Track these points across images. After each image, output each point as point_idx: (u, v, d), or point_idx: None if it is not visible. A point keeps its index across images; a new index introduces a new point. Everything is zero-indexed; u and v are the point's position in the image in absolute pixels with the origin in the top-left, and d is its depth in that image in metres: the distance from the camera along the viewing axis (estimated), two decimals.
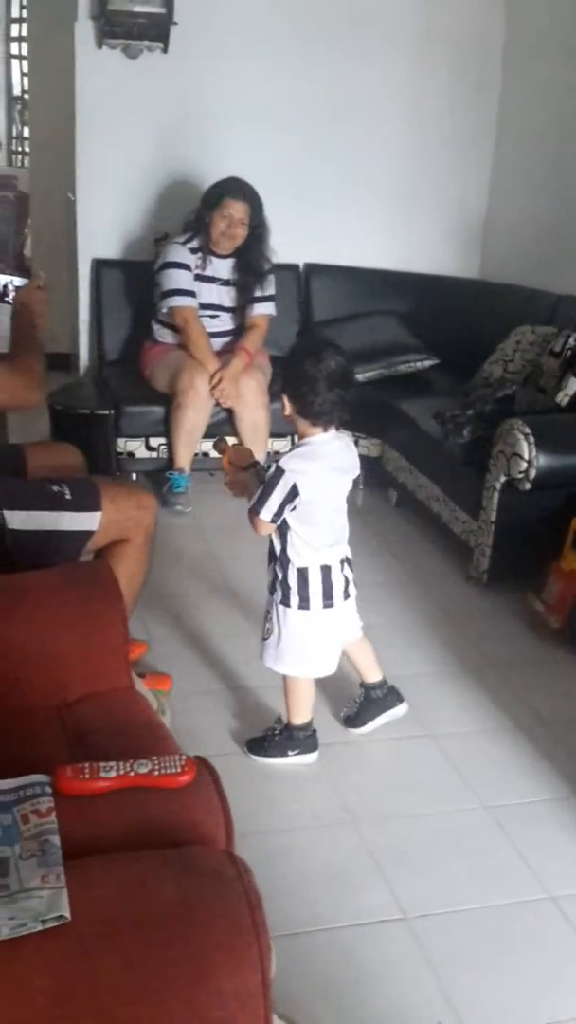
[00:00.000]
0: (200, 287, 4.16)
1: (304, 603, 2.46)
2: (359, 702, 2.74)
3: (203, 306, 4.18)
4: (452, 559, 3.77)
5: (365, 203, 4.80)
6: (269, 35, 4.45)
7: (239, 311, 4.24)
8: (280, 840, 2.30)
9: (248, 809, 2.25)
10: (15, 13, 8.65)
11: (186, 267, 4.12)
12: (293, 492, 2.33)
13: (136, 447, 4.20)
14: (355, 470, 2.49)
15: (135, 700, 2.13)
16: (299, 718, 2.59)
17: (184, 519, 4.02)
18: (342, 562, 2.50)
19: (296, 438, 2.54)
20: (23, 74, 7.85)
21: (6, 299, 2.64)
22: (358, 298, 4.74)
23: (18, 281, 2.63)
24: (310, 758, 2.60)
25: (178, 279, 4.11)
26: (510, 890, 2.22)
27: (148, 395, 4.21)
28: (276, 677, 2.91)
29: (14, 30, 8.75)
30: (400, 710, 2.74)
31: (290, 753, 2.58)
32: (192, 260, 4.13)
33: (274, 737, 2.60)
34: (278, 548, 2.47)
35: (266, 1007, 1.29)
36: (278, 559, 2.47)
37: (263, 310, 4.24)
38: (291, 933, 2.01)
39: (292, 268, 4.65)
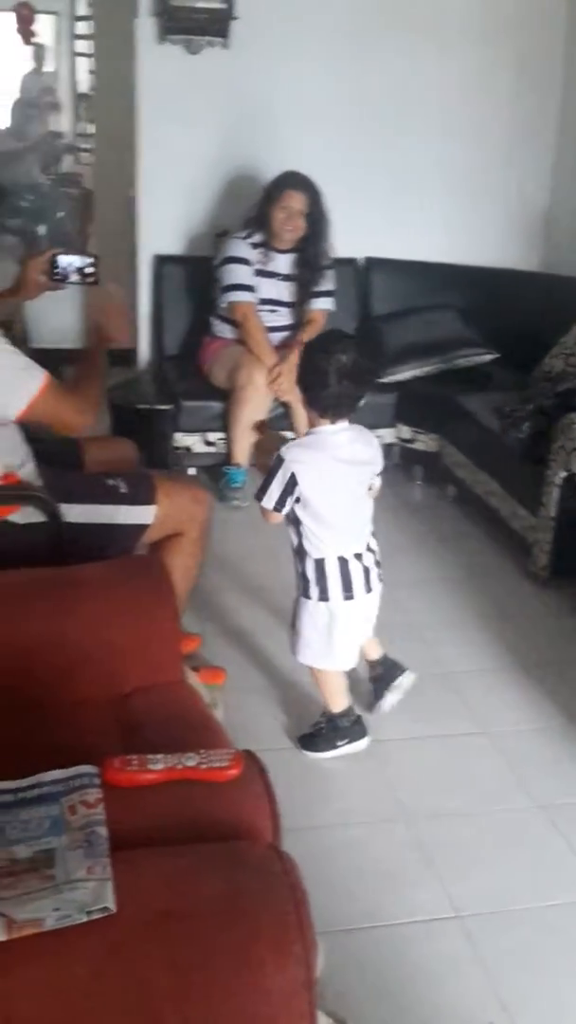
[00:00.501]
0: (261, 282, 4.16)
1: (324, 595, 2.47)
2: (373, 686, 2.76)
3: (263, 301, 4.18)
4: (511, 555, 3.73)
5: (425, 197, 4.76)
6: (330, 29, 4.43)
7: (299, 306, 4.23)
8: (332, 836, 2.29)
9: (300, 804, 2.25)
10: (80, 11, 8.72)
11: (246, 262, 4.12)
12: (292, 481, 2.35)
13: (194, 442, 4.22)
14: (373, 463, 2.48)
15: (187, 693, 2.14)
16: (337, 706, 2.59)
17: (241, 514, 4.02)
18: (361, 554, 2.49)
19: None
20: (90, 72, 7.92)
21: (68, 279, 2.63)
22: (417, 292, 4.70)
23: (77, 261, 2.62)
24: (360, 745, 2.60)
25: (238, 274, 4.11)
26: (565, 889, 2.19)
27: (206, 390, 4.23)
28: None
29: (79, 28, 8.83)
30: (408, 678, 2.75)
31: (339, 744, 2.58)
32: (253, 255, 4.14)
33: (321, 731, 2.60)
34: (295, 541, 2.49)
35: (311, 1004, 1.28)
36: (296, 552, 2.49)
37: (322, 305, 4.23)
38: (342, 930, 2.00)
39: (351, 262, 4.62)
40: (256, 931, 1.28)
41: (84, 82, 8.77)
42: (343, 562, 2.46)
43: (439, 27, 4.54)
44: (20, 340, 4.79)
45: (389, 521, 4.09)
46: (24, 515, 2.40)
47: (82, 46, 8.70)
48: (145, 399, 4.25)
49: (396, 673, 2.75)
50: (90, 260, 2.64)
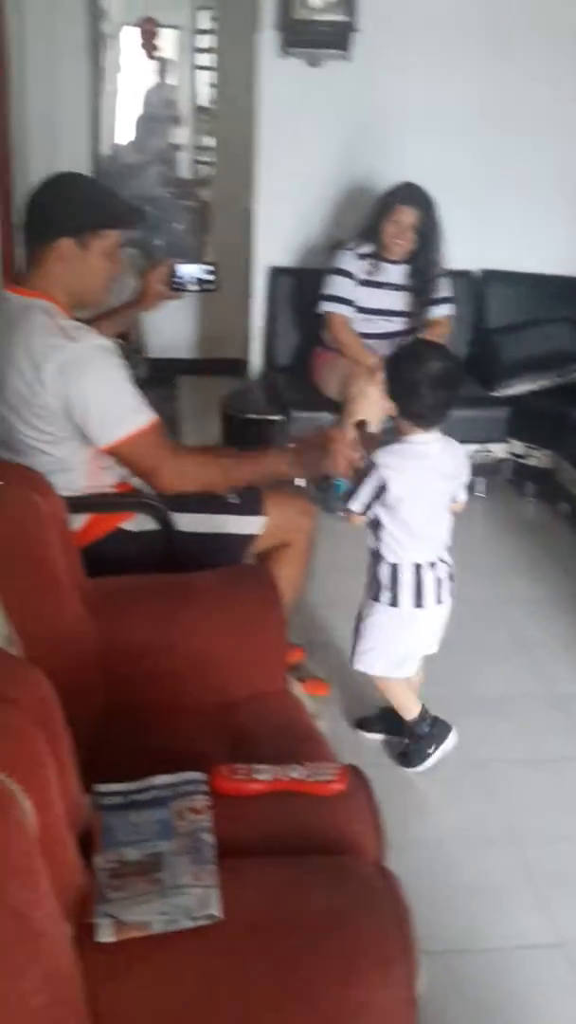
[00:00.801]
0: (370, 292, 4.16)
1: (394, 600, 2.46)
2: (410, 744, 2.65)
3: (374, 311, 4.17)
4: None
5: (543, 209, 4.69)
6: (451, 41, 4.41)
7: (412, 315, 4.21)
8: (432, 854, 2.27)
9: (400, 820, 2.22)
10: (201, 25, 8.86)
11: (349, 275, 4.13)
12: (382, 487, 2.35)
13: None
14: (460, 475, 2.46)
15: (292, 704, 2.15)
16: (410, 713, 2.58)
17: (346, 525, 4.00)
18: (435, 564, 2.47)
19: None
20: (211, 85, 8.04)
21: (188, 288, 2.67)
22: (534, 305, 4.63)
23: (196, 270, 2.66)
24: (450, 742, 2.59)
25: (338, 285, 4.13)
26: None
27: (317, 400, 4.23)
28: (437, 690, 2.89)
29: (200, 42, 8.97)
30: (452, 740, 2.64)
31: (430, 751, 2.57)
32: (359, 267, 4.14)
33: (409, 745, 2.58)
34: (372, 544, 2.49)
35: (412, 1022, 1.27)
36: (372, 555, 2.49)
37: (444, 311, 4.20)
38: (440, 950, 1.98)
39: (467, 274, 4.58)
40: (360, 947, 1.28)
41: (204, 95, 8.92)
42: (418, 569, 2.45)
43: (562, 40, 4.47)
44: (136, 350, 4.89)
45: (500, 538, 4.04)
46: (137, 523, 2.44)
47: (202, 59, 8.85)
48: (256, 409, 4.28)
49: (444, 732, 2.63)
50: (208, 268, 2.68)
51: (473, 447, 4.29)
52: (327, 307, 4.14)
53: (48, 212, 2.30)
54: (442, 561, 2.50)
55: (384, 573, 2.47)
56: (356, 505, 2.41)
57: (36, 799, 1.19)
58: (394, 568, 2.46)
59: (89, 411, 2.22)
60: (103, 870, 1.34)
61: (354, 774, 1.65)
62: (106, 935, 1.24)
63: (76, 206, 2.30)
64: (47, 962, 1.15)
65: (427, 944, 1.53)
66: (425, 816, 2.40)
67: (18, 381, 2.23)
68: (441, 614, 2.54)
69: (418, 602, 2.46)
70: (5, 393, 2.27)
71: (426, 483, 2.40)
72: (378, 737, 2.70)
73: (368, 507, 2.40)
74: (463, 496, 2.52)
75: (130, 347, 4.73)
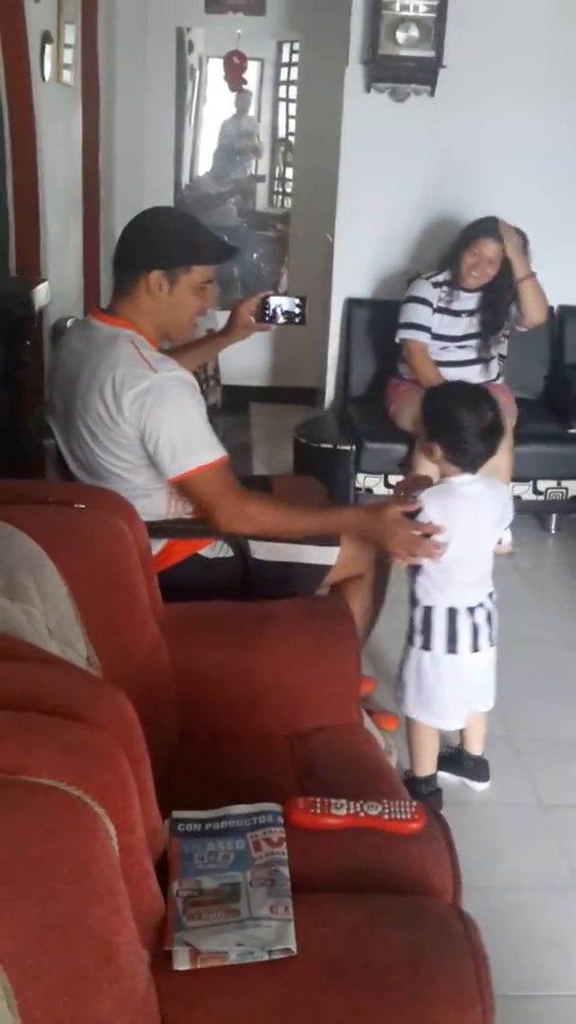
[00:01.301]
0: (445, 320, 4.15)
1: (426, 644, 2.42)
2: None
3: (451, 337, 4.16)
4: None
5: None
6: (534, 77, 4.41)
7: (489, 342, 4.19)
8: (502, 898, 2.23)
9: (470, 862, 2.19)
10: (285, 58, 8.98)
11: (427, 303, 4.13)
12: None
13: (375, 483, 4.23)
14: (505, 517, 2.44)
15: (364, 737, 2.13)
16: (420, 770, 2.52)
17: None
18: (474, 609, 2.42)
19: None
20: (288, 116, 8.14)
21: (277, 320, 2.70)
22: None
23: (286, 302, 2.69)
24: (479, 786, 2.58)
25: (416, 313, 4.13)
26: None
27: (390, 432, 4.23)
28: (507, 731, 2.86)
29: (282, 74, 9.09)
30: (478, 787, 2.62)
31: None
32: (435, 295, 4.14)
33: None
34: (411, 585, 2.46)
35: None
36: (410, 597, 2.47)
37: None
38: (511, 995, 1.93)
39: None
40: (435, 991, 1.26)
41: (283, 127, 9.03)
42: (452, 614, 2.41)
43: None
44: (211, 377, 4.94)
45: (571, 577, 3.99)
46: (214, 549, 2.45)
47: (283, 91, 8.96)
48: (328, 438, 4.29)
49: (477, 775, 2.63)
50: (297, 301, 2.70)
51: (548, 483, 4.26)
52: (405, 334, 4.14)
53: (139, 244, 2.33)
54: (482, 606, 2.45)
55: (418, 616, 2.44)
56: None
57: (119, 822, 1.20)
58: (427, 611, 2.43)
59: (160, 441, 2.23)
60: (180, 898, 1.34)
61: (431, 813, 1.63)
62: (183, 963, 1.23)
63: (167, 240, 2.33)
64: (125, 987, 1.15)
65: (497, 988, 1.50)
66: (494, 859, 2.36)
67: (100, 408, 2.26)
68: (480, 663, 2.47)
69: (451, 647, 2.42)
70: (87, 420, 2.30)
71: (468, 526, 2.36)
72: (454, 778, 2.65)
73: None
74: (508, 538, 2.49)
75: (206, 374, 4.80)
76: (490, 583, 2.49)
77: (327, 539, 2.56)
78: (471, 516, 2.37)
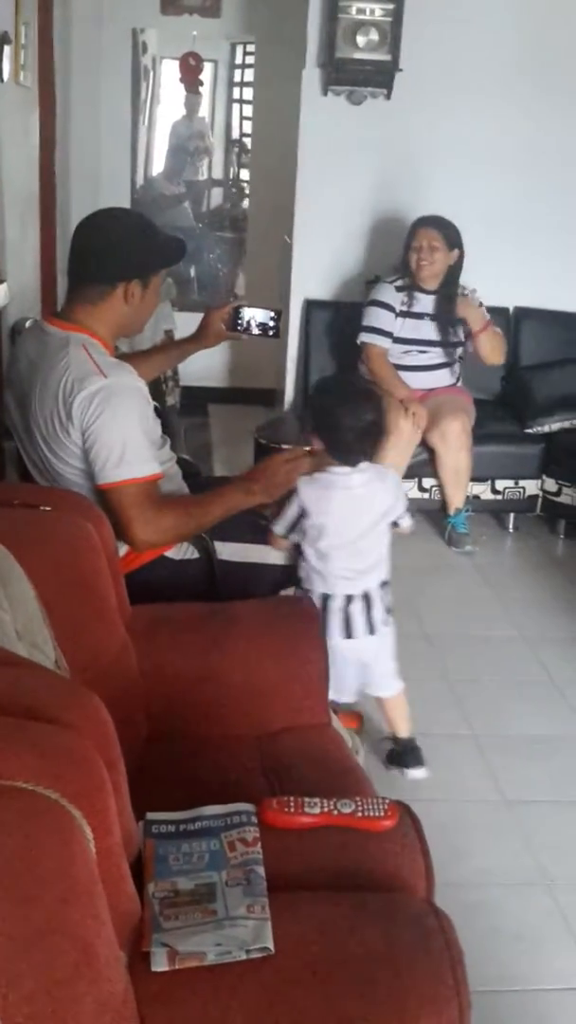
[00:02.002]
0: (407, 323, 4.18)
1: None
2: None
3: (413, 341, 4.19)
4: None
5: None
6: (490, 82, 4.45)
7: (449, 346, 4.23)
8: (469, 895, 2.24)
9: (436, 859, 2.21)
10: (238, 60, 8.98)
11: (389, 307, 4.16)
12: (303, 513, 2.40)
13: None
14: (395, 506, 2.46)
15: (332, 737, 2.14)
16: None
17: None
18: (352, 597, 2.48)
19: None
20: (242, 118, 8.14)
21: (250, 331, 2.69)
22: (568, 343, 4.65)
23: (260, 314, 2.68)
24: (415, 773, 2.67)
25: (378, 317, 4.16)
26: None
27: None
28: (468, 729, 2.89)
29: (236, 76, 9.08)
30: (415, 773, 2.66)
31: None
32: (397, 299, 4.17)
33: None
34: (300, 574, 2.52)
35: None
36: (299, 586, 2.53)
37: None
38: (478, 991, 1.94)
39: (502, 311, 4.60)
40: (413, 986, 1.27)
41: (237, 128, 9.02)
42: (325, 599, 2.48)
43: None
44: (170, 378, 4.93)
45: (531, 575, 4.04)
46: (180, 551, 2.45)
47: (237, 93, 8.96)
48: (289, 439, 4.28)
49: (409, 761, 2.67)
50: (272, 314, 2.69)
51: (505, 483, 4.31)
52: (365, 338, 4.16)
53: (113, 255, 2.30)
54: (365, 596, 2.49)
55: (316, 602, 2.48)
56: (279, 527, 2.45)
57: (96, 825, 1.19)
58: (306, 593, 2.49)
59: (97, 445, 2.21)
60: (156, 899, 1.34)
61: (404, 811, 1.64)
62: (161, 964, 1.23)
63: (143, 249, 2.33)
64: (105, 989, 1.14)
65: (470, 983, 1.52)
66: (459, 856, 2.38)
67: (51, 414, 2.25)
68: (358, 649, 2.51)
69: (347, 633, 2.49)
70: (40, 425, 2.28)
71: (346, 516, 2.41)
72: (420, 774, 2.67)
73: (290, 530, 2.44)
74: (407, 522, 2.51)
75: (165, 375, 4.78)
76: (383, 572, 2.51)
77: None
78: (346, 507, 2.42)
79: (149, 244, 2.35)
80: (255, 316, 2.68)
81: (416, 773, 2.66)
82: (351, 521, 2.44)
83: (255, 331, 2.68)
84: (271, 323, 2.68)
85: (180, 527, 2.35)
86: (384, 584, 2.54)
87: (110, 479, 2.23)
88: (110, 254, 2.30)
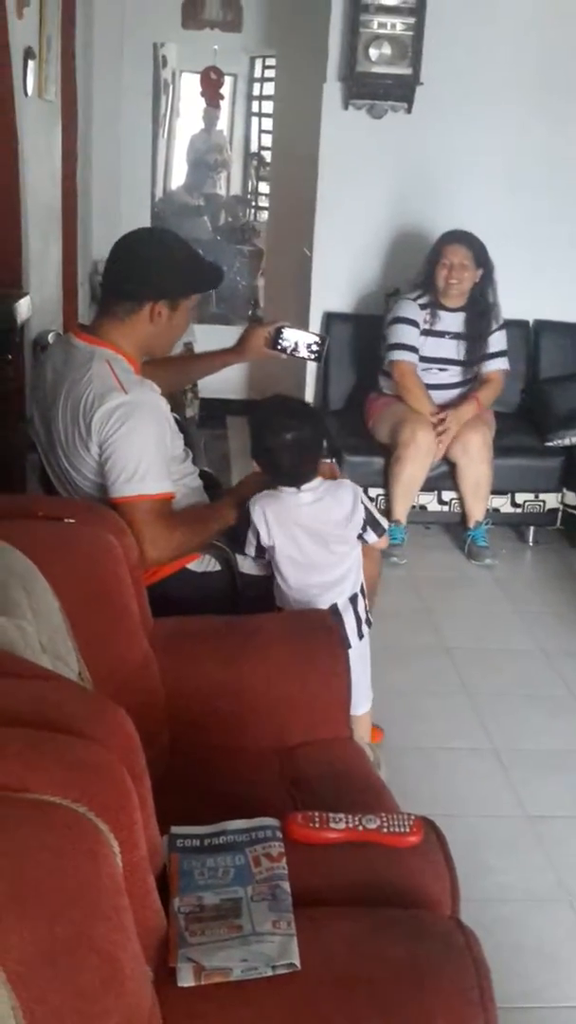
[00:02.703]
0: (429, 341, 4.18)
1: None
2: None
3: (433, 360, 4.19)
4: None
5: None
6: (511, 96, 4.46)
7: (469, 365, 4.23)
8: (492, 911, 2.23)
9: (458, 875, 2.21)
10: (257, 73, 9.02)
11: (414, 323, 4.16)
12: (255, 531, 2.38)
13: None
14: (352, 519, 2.42)
15: (354, 751, 2.13)
16: None
17: (399, 571, 4.02)
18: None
19: None
20: (261, 131, 8.18)
21: (292, 352, 2.65)
22: None
23: (304, 337, 2.66)
24: None
25: (404, 334, 4.15)
26: None
27: (368, 445, 4.25)
28: (491, 741, 2.88)
29: (255, 89, 9.13)
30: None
31: None
32: (421, 316, 4.17)
33: None
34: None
35: None
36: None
37: (497, 365, 4.21)
38: (502, 1007, 1.93)
39: (521, 324, 4.60)
40: (439, 1004, 1.26)
41: (256, 141, 9.07)
42: None
43: None
44: (189, 390, 4.94)
45: (550, 588, 4.02)
46: (202, 564, 2.45)
47: (256, 106, 9.01)
48: None
49: None
50: (317, 339, 2.67)
51: (525, 496, 4.30)
52: (396, 356, 4.15)
53: (143, 273, 2.31)
54: (347, 605, 2.46)
55: None
56: (248, 550, 2.43)
57: (123, 839, 1.19)
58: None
59: (113, 459, 2.22)
60: (182, 914, 1.34)
61: (428, 827, 1.63)
62: (187, 980, 1.23)
63: (175, 270, 2.33)
64: (131, 1004, 1.14)
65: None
66: (481, 872, 2.36)
67: (72, 429, 2.26)
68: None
69: None
70: (62, 439, 2.30)
71: (291, 533, 2.39)
72: None
73: (257, 552, 2.42)
74: (372, 536, 2.47)
75: (184, 387, 4.80)
76: (351, 586, 2.48)
77: None
78: (295, 525, 2.39)
79: (182, 268, 2.35)
80: (300, 339, 2.66)
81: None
82: (301, 539, 2.41)
83: (301, 353, 2.65)
84: (315, 347, 2.66)
85: (187, 543, 2.36)
86: (354, 598, 2.49)
87: (123, 493, 2.23)
88: (141, 273, 2.31)
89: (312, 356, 2.69)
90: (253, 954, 1.25)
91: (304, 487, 2.40)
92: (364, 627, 2.52)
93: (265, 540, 2.40)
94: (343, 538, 2.44)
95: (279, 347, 2.66)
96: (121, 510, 2.24)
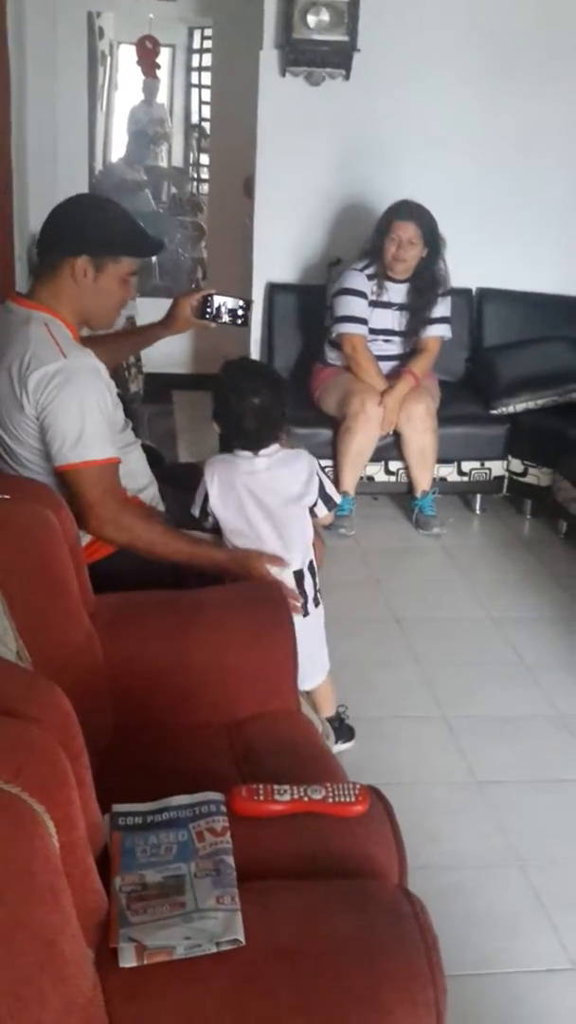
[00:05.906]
0: (375, 312, 4.15)
1: None
2: None
3: (378, 331, 4.17)
4: None
5: (542, 228, 4.70)
6: (450, 61, 4.42)
7: (412, 335, 4.21)
8: (443, 878, 2.24)
9: (407, 842, 2.20)
10: (196, 44, 8.90)
11: (362, 294, 4.12)
12: (205, 495, 2.38)
13: None
14: (306, 493, 2.40)
15: (302, 723, 2.12)
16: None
17: (348, 542, 4.01)
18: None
19: None
20: (201, 102, 8.07)
21: (219, 319, 2.64)
22: (532, 324, 4.63)
23: (230, 302, 2.64)
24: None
25: (352, 306, 4.11)
26: None
27: (315, 417, 4.22)
28: (440, 709, 2.88)
29: (195, 60, 9.01)
30: (345, 746, 2.66)
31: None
32: (368, 287, 4.13)
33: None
34: None
35: None
36: None
37: (436, 332, 4.19)
38: (455, 975, 1.93)
39: (465, 292, 4.59)
40: (387, 974, 1.25)
41: (196, 112, 8.95)
42: None
43: (562, 56, 4.50)
44: (133, 365, 4.87)
45: (498, 555, 4.04)
46: None
47: (196, 78, 8.88)
48: None
49: (344, 737, 2.68)
50: (242, 303, 2.65)
51: (471, 464, 4.30)
52: (344, 328, 4.11)
53: (67, 228, 2.28)
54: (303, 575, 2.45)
55: None
56: (194, 509, 2.42)
57: (60, 820, 1.16)
58: None
59: (54, 426, 2.18)
60: (123, 893, 1.31)
61: (375, 795, 1.62)
62: (129, 960, 1.21)
63: (99, 227, 2.28)
64: (71, 987, 1.12)
65: (445, 968, 1.50)
66: (432, 839, 2.36)
67: (8, 393, 2.21)
68: (306, 632, 2.41)
69: None
70: (2, 411, 2.24)
71: (246, 497, 2.37)
72: (350, 746, 2.67)
73: (203, 513, 2.41)
74: (322, 511, 2.45)
75: (128, 362, 4.73)
76: (304, 554, 2.45)
77: None
78: (247, 490, 2.37)
79: (110, 227, 2.30)
80: (225, 304, 2.63)
81: (346, 746, 2.66)
82: (250, 509, 2.38)
83: (224, 319, 2.63)
84: (240, 312, 2.64)
85: (138, 531, 2.29)
86: (299, 574, 2.44)
87: (68, 460, 2.20)
88: (67, 228, 2.28)
89: (240, 320, 2.66)
90: (196, 931, 1.23)
91: (261, 452, 2.37)
92: (310, 605, 2.49)
93: (213, 503, 2.37)
94: (294, 510, 2.41)
95: (207, 315, 2.63)
96: (68, 478, 2.21)
